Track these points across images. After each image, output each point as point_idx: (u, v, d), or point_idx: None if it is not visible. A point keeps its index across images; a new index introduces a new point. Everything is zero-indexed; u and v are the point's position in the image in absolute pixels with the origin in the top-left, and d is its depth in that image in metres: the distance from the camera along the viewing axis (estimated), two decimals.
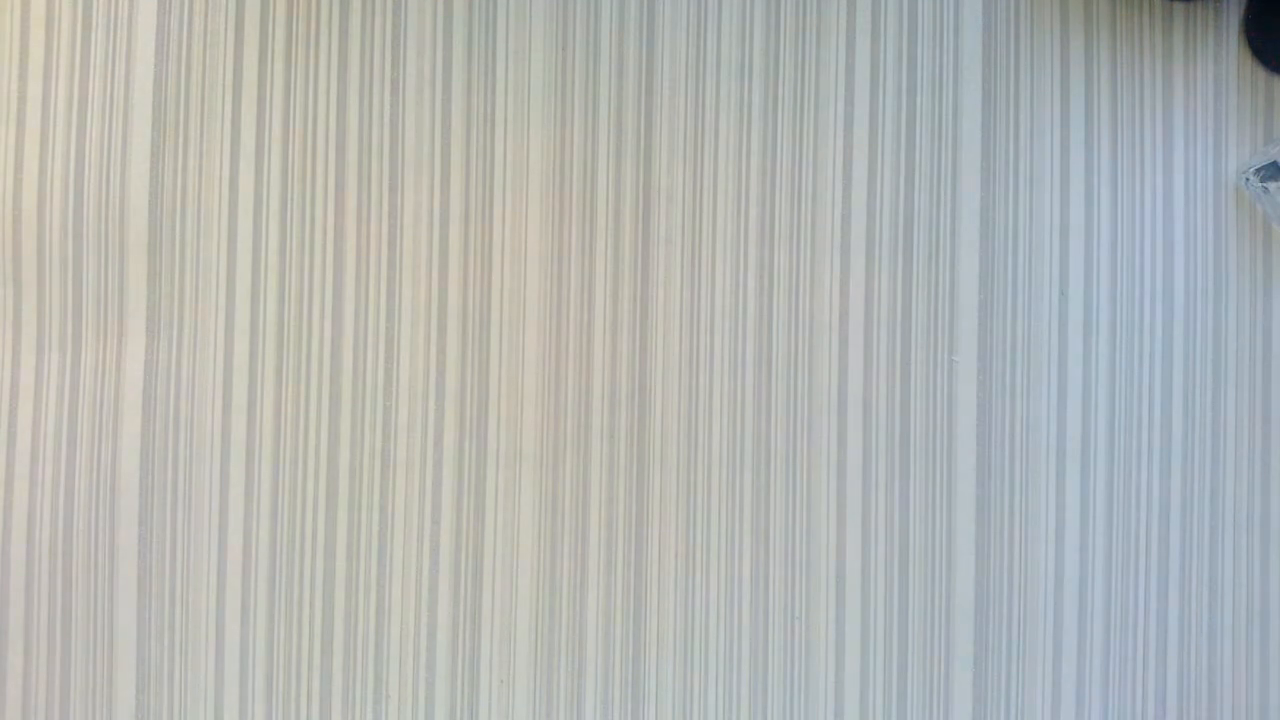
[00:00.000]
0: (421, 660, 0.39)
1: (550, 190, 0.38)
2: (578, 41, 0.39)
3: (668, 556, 0.38)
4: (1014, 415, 0.38)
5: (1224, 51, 0.38)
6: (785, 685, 0.37)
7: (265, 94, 0.39)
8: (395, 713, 0.38)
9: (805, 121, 0.38)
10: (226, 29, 0.39)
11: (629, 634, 0.38)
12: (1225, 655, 0.37)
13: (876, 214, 0.38)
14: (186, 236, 0.39)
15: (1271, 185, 0.36)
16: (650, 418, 0.38)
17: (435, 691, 0.38)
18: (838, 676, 0.37)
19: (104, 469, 0.39)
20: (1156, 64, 0.38)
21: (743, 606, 0.38)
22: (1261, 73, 0.38)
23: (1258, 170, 0.36)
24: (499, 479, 0.39)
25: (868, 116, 0.38)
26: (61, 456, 0.40)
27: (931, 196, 0.38)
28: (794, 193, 0.38)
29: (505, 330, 0.39)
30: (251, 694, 0.39)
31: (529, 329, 0.38)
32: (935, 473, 0.38)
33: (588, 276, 0.38)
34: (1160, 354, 0.38)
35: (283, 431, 0.39)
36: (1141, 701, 0.37)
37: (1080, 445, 0.38)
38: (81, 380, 0.40)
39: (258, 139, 0.39)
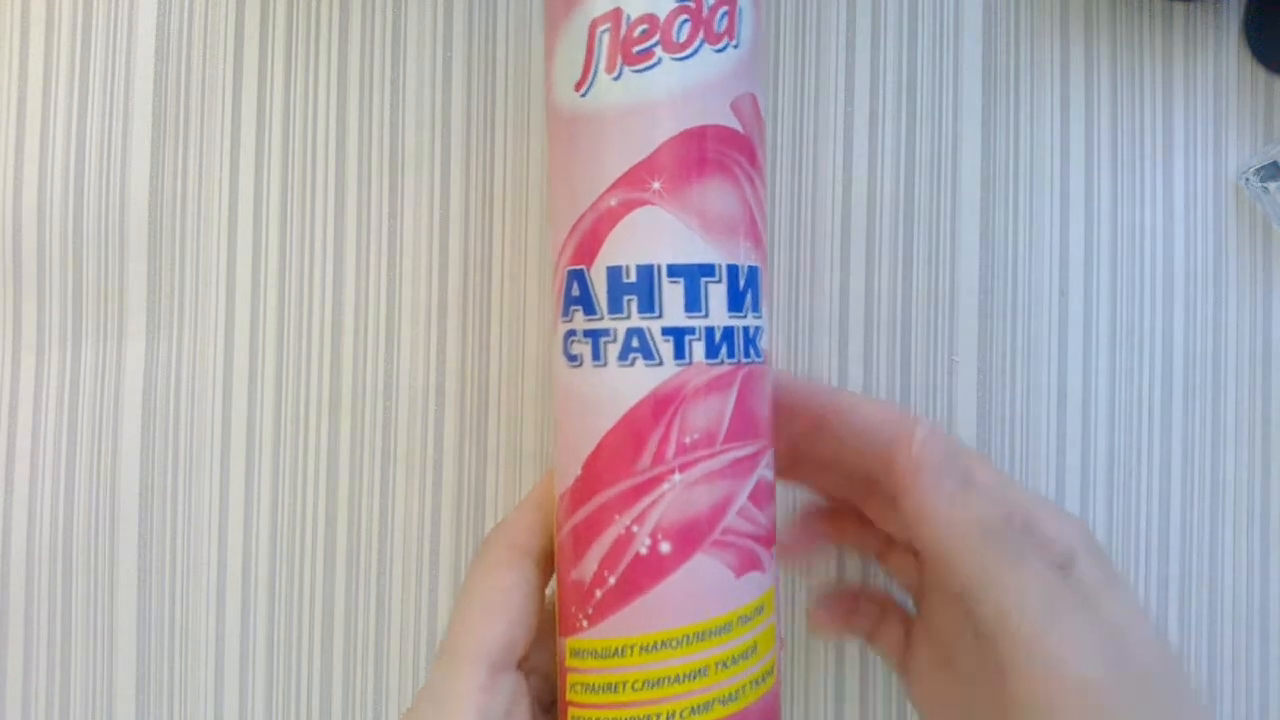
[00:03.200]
0: (421, 660, 0.39)
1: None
2: None
3: None
4: (1014, 415, 0.38)
5: (1224, 51, 0.38)
6: (786, 685, 0.37)
7: (265, 94, 0.39)
8: (395, 713, 0.38)
9: (805, 121, 0.38)
10: (226, 29, 0.39)
11: None
12: (1225, 655, 0.37)
13: (876, 214, 0.38)
14: (186, 236, 0.39)
15: (1271, 185, 0.36)
16: None
17: None
18: (838, 675, 0.37)
19: (104, 469, 0.39)
20: (1156, 64, 0.38)
21: None
22: (1261, 73, 0.38)
23: (1258, 170, 0.36)
24: (499, 479, 0.39)
25: (868, 116, 0.38)
26: (61, 456, 0.40)
27: (931, 196, 0.38)
28: (794, 192, 0.38)
29: (505, 330, 0.39)
30: (251, 694, 0.39)
31: (529, 329, 0.39)
32: None
33: None
34: (1160, 354, 0.38)
35: (283, 431, 0.39)
36: None
37: (1080, 445, 0.38)
38: (81, 380, 0.40)
39: (258, 139, 0.39)
